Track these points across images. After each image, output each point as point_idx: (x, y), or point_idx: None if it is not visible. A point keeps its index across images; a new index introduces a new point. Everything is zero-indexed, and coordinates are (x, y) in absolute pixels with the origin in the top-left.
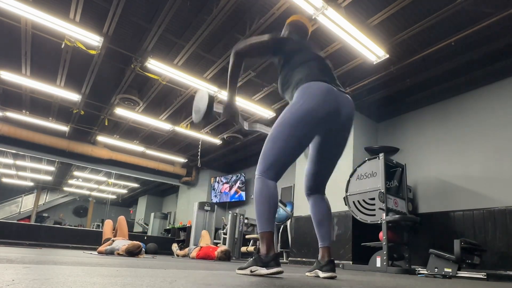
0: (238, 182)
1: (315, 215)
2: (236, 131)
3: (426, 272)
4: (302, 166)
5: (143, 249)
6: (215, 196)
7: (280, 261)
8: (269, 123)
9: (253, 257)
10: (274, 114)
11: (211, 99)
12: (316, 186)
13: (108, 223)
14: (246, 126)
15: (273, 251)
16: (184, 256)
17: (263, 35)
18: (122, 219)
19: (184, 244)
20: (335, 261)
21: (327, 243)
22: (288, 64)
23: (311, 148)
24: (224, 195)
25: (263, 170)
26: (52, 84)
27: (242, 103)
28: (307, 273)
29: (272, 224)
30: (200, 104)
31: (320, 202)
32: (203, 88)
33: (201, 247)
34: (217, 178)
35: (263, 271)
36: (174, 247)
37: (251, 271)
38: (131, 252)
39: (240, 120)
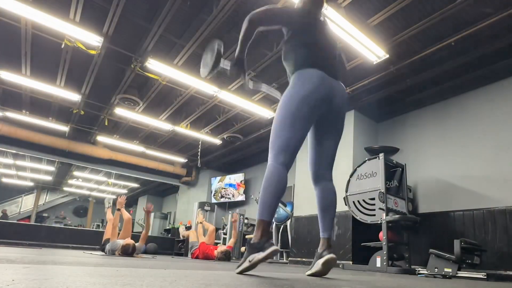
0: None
1: (320, 201)
2: (242, 89)
3: (426, 272)
4: (303, 167)
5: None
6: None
7: (280, 261)
8: (269, 122)
9: (246, 249)
10: (274, 114)
11: (219, 52)
12: (321, 172)
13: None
14: (250, 85)
15: (265, 236)
16: (187, 237)
17: (275, 5)
18: (128, 220)
19: (184, 244)
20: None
21: (328, 234)
22: (293, 40)
23: (309, 135)
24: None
25: (273, 156)
26: (52, 84)
27: (242, 103)
28: (308, 272)
29: (272, 214)
30: (208, 57)
31: (326, 189)
32: (213, 42)
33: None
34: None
35: (260, 255)
36: (182, 228)
37: (249, 261)
38: (126, 251)
39: (246, 78)
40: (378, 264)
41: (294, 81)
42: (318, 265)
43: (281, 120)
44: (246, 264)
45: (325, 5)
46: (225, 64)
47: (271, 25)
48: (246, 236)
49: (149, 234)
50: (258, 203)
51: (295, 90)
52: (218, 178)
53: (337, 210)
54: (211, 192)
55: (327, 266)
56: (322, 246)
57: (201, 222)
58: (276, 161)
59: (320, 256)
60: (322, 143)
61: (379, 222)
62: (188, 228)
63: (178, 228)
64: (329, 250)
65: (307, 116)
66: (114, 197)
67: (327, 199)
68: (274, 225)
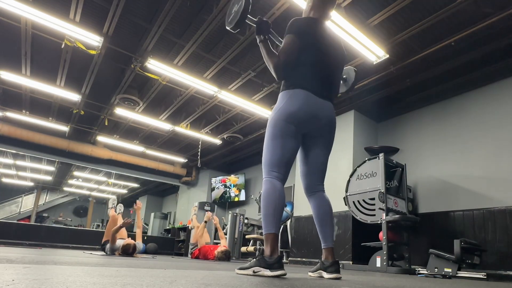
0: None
1: (316, 215)
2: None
3: (426, 272)
4: None
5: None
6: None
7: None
8: None
9: (256, 258)
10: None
11: (248, 2)
12: (313, 185)
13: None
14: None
15: (277, 253)
16: (192, 228)
17: (286, 38)
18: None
19: (184, 244)
20: None
21: (330, 244)
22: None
23: (299, 151)
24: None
25: (268, 172)
26: (52, 84)
27: (242, 103)
28: (310, 273)
29: (277, 226)
30: (234, 8)
31: (320, 202)
32: None
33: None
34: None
35: (267, 272)
36: (194, 210)
37: (254, 272)
38: (126, 251)
39: (273, 34)
40: (378, 264)
41: (280, 99)
42: (322, 276)
43: (270, 137)
44: (249, 272)
45: None
46: (251, 20)
47: (296, 55)
48: (246, 236)
49: (149, 234)
50: (262, 218)
51: (281, 108)
52: (218, 178)
53: (337, 210)
54: (211, 192)
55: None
56: (327, 259)
57: (195, 214)
58: (270, 175)
59: (325, 270)
60: (312, 157)
61: (379, 222)
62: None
63: (178, 228)
64: (335, 267)
65: (293, 132)
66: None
67: (323, 209)
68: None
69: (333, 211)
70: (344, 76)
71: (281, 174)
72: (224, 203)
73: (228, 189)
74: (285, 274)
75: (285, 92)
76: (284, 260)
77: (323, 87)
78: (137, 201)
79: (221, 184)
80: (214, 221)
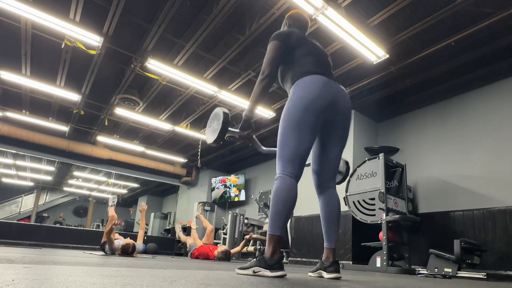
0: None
1: (323, 213)
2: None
3: (426, 272)
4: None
5: (137, 247)
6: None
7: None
8: (269, 122)
9: (257, 258)
10: (274, 114)
11: (226, 117)
12: (325, 181)
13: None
14: (263, 150)
15: (278, 254)
16: (184, 242)
17: (272, 43)
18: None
19: (184, 244)
20: None
21: (333, 244)
22: (288, 57)
23: (314, 145)
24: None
25: (282, 169)
26: (52, 84)
27: (242, 103)
28: (310, 273)
29: (284, 228)
30: (214, 124)
31: (330, 200)
32: (218, 108)
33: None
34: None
35: (267, 273)
36: (178, 228)
37: (254, 272)
38: (126, 251)
39: (256, 142)
40: (378, 264)
41: (295, 89)
42: (321, 276)
43: (286, 130)
44: (249, 272)
45: (325, 5)
46: (232, 132)
47: (282, 61)
48: (246, 236)
49: (149, 234)
50: (269, 217)
51: (297, 98)
52: (218, 178)
53: None
54: (211, 192)
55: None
56: (327, 259)
57: (197, 217)
58: (285, 171)
59: (325, 270)
60: (327, 151)
61: (379, 222)
62: (184, 229)
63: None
64: (335, 267)
65: (312, 123)
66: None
67: (332, 208)
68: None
69: None
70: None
71: (296, 170)
72: (224, 203)
73: (228, 189)
74: (285, 275)
75: (299, 81)
76: (284, 260)
77: (332, 74)
78: (142, 203)
79: (221, 184)
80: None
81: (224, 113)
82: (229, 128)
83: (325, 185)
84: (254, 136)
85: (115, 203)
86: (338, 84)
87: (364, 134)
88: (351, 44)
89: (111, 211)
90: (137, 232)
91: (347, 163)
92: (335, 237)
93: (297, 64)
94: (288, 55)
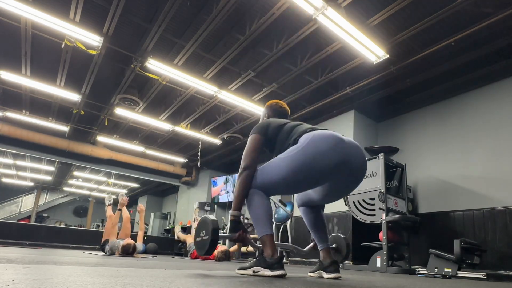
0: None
1: (310, 222)
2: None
3: (426, 272)
4: None
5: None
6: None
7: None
8: None
9: (257, 258)
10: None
11: (215, 226)
12: (315, 207)
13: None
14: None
15: (277, 253)
16: (183, 241)
17: (252, 136)
18: (127, 220)
19: (184, 244)
20: None
21: (326, 244)
22: (279, 140)
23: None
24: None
25: (257, 185)
26: (52, 84)
27: (242, 103)
28: (310, 274)
29: (270, 226)
30: (203, 235)
31: (316, 217)
32: (204, 216)
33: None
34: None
35: (267, 272)
36: (177, 229)
37: (254, 272)
38: (126, 251)
39: (251, 242)
40: (378, 264)
41: (303, 140)
42: (322, 276)
43: (280, 175)
44: (249, 272)
45: (325, 5)
46: (224, 237)
47: (262, 151)
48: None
49: (149, 234)
50: (253, 223)
51: (303, 150)
52: (218, 178)
53: (337, 210)
54: (211, 192)
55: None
56: (326, 259)
57: (194, 220)
58: (257, 187)
59: (325, 270)
60: (330, 195)
61: (379, 222)
62: (184, 229)
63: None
64: (334, 267)
65: (310, 181)
66: (115, 196)
67: (315, 222)
68: (274, 225)
69: (333, 211)
70: (333, 245)
71: (270, 194)
72: (224, 203)
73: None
74: (285, 275)
75: (307, 134)
76: (284, 260)
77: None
78: (140, 204)
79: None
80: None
81: (212, 222)
82: (220, 235)
83: (313, 208)
84: (247, 235)
85: (111, 202)
86: (351, 140)
87: (364, 134)
88: (351, 44)
89: (109, 211)
90: (137, 232)
91: (345, 238)
92: (326, 237)
93: (295, 131)
94: (274, 143)
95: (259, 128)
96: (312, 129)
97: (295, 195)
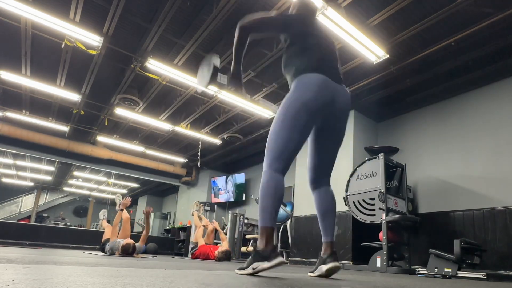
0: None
1: (319, 207)
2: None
3: (426, 272)
4: (303, 167)
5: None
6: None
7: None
8: (269, 123)
9: (252, 255)
10: (274, 115)
11: (215, 66)
12: (319, 178)
13: (109, 226)
14: (249, 97)
15: (271, 245)
16: (204, 225)
17: (271, 11)
18: (126, 220)
19: (184, 244)
20: None
21: (330, 238)
22: (292, 46)
23: (309, 141)
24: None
25: (269, 163)
26: (52, 84)
27: (242, 103)
28: (310, 274)
29: (274, 220)
30: (204, 71)
31: (325, 197)
32: (209, 56)
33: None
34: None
35: (265, 264)
36: (196, 214)
37: (253, 269)
38: (126, 251)
39: (243, 91)
40: (378, 264)
41: (296, 86)
42: (321, 270)
43: (279, 125)
44: (249, 270)
45: (325, 5)
46: (222, 79)
47: (265, 33)
48: (246, 236)
49: (149, 234)
50: (259, 210)
51: (296, 96)
52: (218, 178)
53: (337, 210)
54: (211, 192)
55: (330, 273)
56: (326, 252)
57: (192, 215)
58: (271, 167)
59: (324, 262)
60: (322, 148)
61: (379, 222)
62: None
63: (178, 229)
64: (333, 257)
65: (306, 122)
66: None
67: (327, 204)
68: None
69: None
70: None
71: (283, 167)
72: (224, 203)
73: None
74: (283, 262)
75: (300, 78)
76: (284, 260)
77: (335, 71)
78: (148, 206)
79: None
80: (213, 224)
81: (215, 60)
82: (218, 79)
83: (319, 183)
84: (243, 86)
85: (105, 216)
86: (337, 83)
87: (364, 134)
88: (351, 44)
89: (104, 224)
90: (138, 232)
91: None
92: (332, 231)
93: (300, 58)
94: (293, 43)
95: (285, 14)
96: (306, 70)
97: (308, 178)
